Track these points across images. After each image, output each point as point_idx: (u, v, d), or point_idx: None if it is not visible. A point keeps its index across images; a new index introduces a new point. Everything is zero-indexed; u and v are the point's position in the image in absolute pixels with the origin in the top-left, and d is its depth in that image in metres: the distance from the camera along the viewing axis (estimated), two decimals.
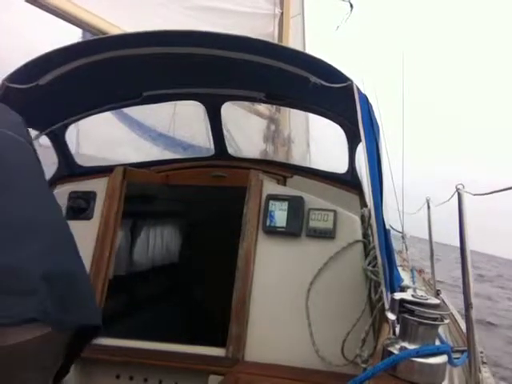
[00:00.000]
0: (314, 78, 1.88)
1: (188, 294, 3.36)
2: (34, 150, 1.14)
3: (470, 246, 1.30)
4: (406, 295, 1.15)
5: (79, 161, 2.76)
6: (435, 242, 3.66)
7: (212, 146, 3.01)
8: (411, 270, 4.52)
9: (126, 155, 3.97)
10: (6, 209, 0.87)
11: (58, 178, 2.64)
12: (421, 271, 5.05)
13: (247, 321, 1.94)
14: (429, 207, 3.54)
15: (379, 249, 1.56)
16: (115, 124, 3.86)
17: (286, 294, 1.96)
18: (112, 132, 3.90)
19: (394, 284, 1.75)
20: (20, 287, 0.77)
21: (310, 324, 1.89)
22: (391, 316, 1.15)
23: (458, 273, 1.43)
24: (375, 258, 1.70)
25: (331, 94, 1.96)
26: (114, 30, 2.85)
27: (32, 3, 2.44)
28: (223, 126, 2.91)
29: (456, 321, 3.18)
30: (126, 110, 3.65)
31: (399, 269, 2.85)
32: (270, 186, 2.15)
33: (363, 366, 1.66)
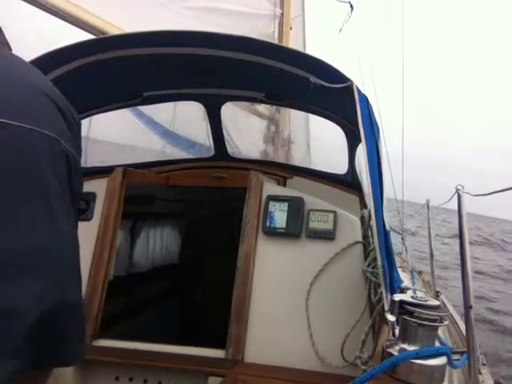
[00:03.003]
0: (313, 79, 1.87)
1: (188, 295, 3.36)
2: (69, 154, 0.91)
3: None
4: (406, 297, 1.15)
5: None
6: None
7: (212, 147, 3.02)
8: (411, 272, 4.53)
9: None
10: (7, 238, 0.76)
11: None
12: (420, 272, 5.06)
13: (247, 322, 1.94)
14: (428, 208, 3.54)
15: (379, 250, 1.55)
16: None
17: (285, 295, 1.95)
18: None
19: (394, 285, 1.75)
20: (4, 345, 0.74)
21: (310, 325, 1.89)
22: (391, 317, 1.15)
23: None
24: (375, 259, 1.70)
25: (331, 95, 1.96)
26: (114, 30, 2.85)
27: (30, 3, 2.43)
28: (223, 127, 2.91)
29: (456, 322, 3.17)
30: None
31: (399, 270, 2.85)
32: (270, 187, 2.15)
33: (363, 367, 1.66)
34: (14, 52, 1.01)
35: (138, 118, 3.89)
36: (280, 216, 2.04)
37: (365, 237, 1.98)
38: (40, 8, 2.48)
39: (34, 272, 0.78)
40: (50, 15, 2.58)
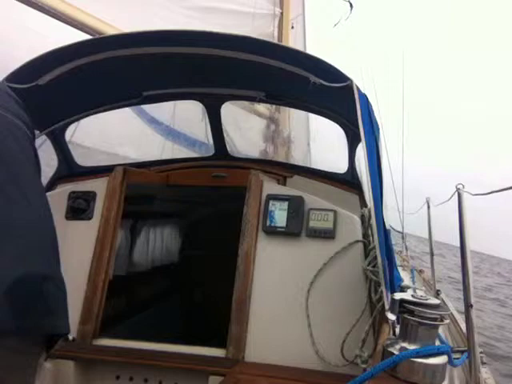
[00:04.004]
0: (313, 78, 1.88)
1: (188, 294, 3.36)
2: (30, 136, 1.02)
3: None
4: (406, 295, 1.15)
5: (79, 155, 2.77)
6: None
7: (212, 146, 3.01)
8: (411, 270, 4.54)
9: (129, 151, 3.97)
10: None
11: (58, 178, 2.64)
12: (421, 271, 5.07)
13: (247, 321, 1.94)
14: (428, 207, 3.54)
15: (379, 249, 1.55)
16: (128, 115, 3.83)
17: (285, 294, 1.96)
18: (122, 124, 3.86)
19: (394, 284, 1.75)
20: None
21: (310, 324, 1.89)
22: (391, 316, 1.15)
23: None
24: (375, 258, 1.70)
25: (331, 94, 1.96)
26: (112, 31, 2.85)
27: (27, 4, 2.43)
28: (223, 126, 2.91)
29: (456, 321, 3.17)
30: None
31: (399, 269, 2.85)
32: (270, 186, 2.15)
33: (363, 366, 1.66)
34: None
35: (140, 116, 3.89)
36: (280, 215, 2.04)
37: (365, 235, 1.98)
38: (36, 9, 2.48)
39: (4, 239, 0.81)
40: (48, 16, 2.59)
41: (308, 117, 5.62)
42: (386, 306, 1.44)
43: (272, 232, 2.04)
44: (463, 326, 2.91)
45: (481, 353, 2.25)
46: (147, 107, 3.85)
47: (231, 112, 3.49)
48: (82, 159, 2.77)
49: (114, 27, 2.87)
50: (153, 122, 4.06)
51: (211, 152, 3.05)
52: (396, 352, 1.09)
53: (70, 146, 2.67)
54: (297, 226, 2.01)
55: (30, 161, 0.99)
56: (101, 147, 3.77)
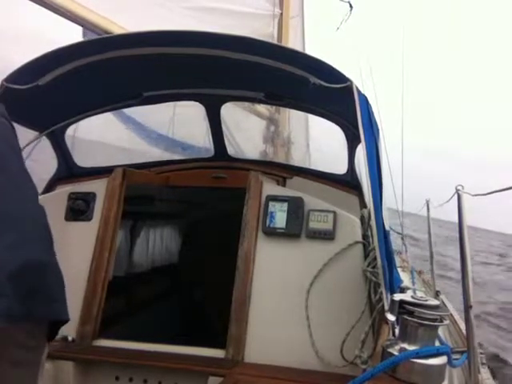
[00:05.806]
0: (313, 79, 1.88)
1: (188, 295, 3.36)
2: (12, 127, 1.07)
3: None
4: (406, 296, 1.15)
5: (78, 151, 2.77)
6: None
7: (212, 147, 3.02)
8: (411, 271, 4.54)
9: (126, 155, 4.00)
10: None
11: (58, 179, 2.64)
12: (420, 272, 5.07)
13: (247, 322, 1.94)
14: (428, 208, 3.54)
15: (379, 250, 1.56)
16: (116, 125, 3.86)
17: (285, 295, 1.96)
18: (112, 134, 3.90)
19: (394, 285, 1.75)
20: None
21: (310, 325, 1.89)
22: (391, 317, 1.15)
23: None
24: (375, 259, 1.70)
25: (331, 95, 1.96)
26: (116, 29, 2.86)
27: (33, 0, 2.44)
28: (223, 127, 2.91)
29: (456, 322, 3.18)
30: (126, 111, 3.67)
31: (399, 270, 2.85)
32: (270, 187, 2.15)
33: (363, 367, 1.66)
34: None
35: (131, 127, 3.92)
36: (280, 216, 2.04)
37: (364, 237, 1.98)
38: (40, 5, 2.49)
39: (3, 228, 0.83)
40: (48, 13, 2.59)
41: (307, 118, 5.62)
42: (386, 307, 1.44)
43: (272, 233, 2.04)
44: (463, 326, 2.91)
45: (480, 353, 2.25)
46: (142, 115, 3.88)
47: (231, 113, 3.49)
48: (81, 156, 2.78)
49: (116, 24, 2.87)
50: (142, 130, 4.10)
51: (211, 153, 3.05)
52: (396, 353, 1.09)
53: (74, 142, 2.68)
54: (296, 227, 2.01)
55: (18, 154, 1.03)
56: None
